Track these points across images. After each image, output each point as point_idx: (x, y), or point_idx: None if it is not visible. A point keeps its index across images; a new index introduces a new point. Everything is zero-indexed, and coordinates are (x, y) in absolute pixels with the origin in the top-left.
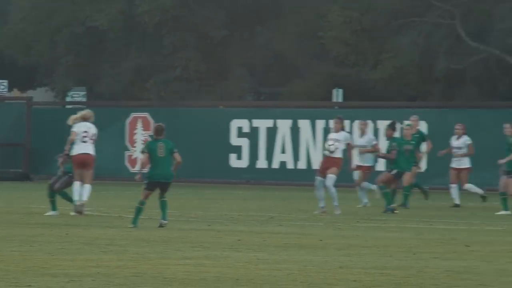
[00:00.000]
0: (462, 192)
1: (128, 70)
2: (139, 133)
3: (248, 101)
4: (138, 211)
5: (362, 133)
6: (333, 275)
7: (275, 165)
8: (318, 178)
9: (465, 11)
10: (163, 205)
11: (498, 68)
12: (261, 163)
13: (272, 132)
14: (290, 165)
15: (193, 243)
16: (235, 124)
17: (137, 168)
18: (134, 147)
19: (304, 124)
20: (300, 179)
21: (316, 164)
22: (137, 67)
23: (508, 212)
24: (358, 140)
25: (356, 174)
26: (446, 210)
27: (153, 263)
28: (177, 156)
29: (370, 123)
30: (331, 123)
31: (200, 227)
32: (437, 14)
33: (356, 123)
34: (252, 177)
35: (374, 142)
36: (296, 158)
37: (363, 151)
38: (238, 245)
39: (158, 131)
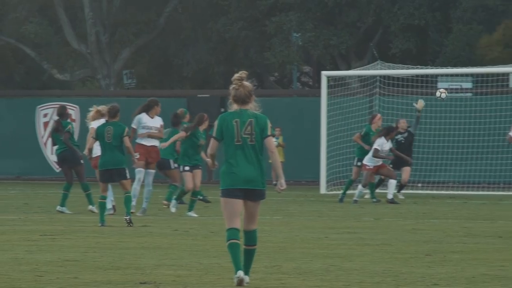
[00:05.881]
0: None
1: None
2: None
3: None
4: (101, 206)
5: None
6: None
7: None
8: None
9: None
10: (126, 201)
11: (14, 57)
12: None
13: None
14: None
15: None
16: None
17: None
18: None
19: None
20: None
21: None
22: None
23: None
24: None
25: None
26: None
27: None
28: (126, 141)
29: None
30: None
31: None
32: None
33: None
34: None
35: None
36: None
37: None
38: None
39: (111, 113)
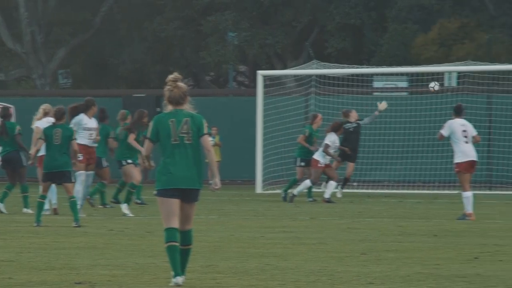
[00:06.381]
0: None
1: None
2: None
3: None
4: (39, 206)
5: None
6: None
7: None
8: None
9: None
10: (72, 206)
11: None
12: None
13: None
14: None
15: None
16: None
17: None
18: None
19: None
20: None
21: None
22: None
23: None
24: None
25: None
26: None
27: None
28: (74, 144)
29: None
30: None
31: None
32: None
33: None
34: None
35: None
36: None
37: None
38: None
39: (57, 115)
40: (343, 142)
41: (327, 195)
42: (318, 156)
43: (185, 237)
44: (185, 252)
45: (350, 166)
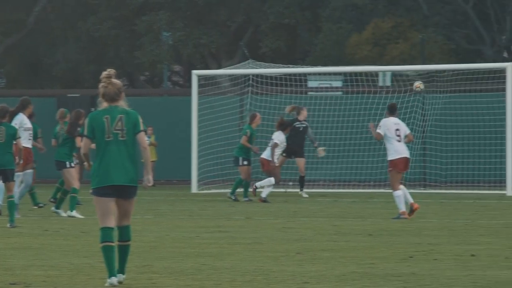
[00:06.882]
0: None
1: None
2: None
3: None
4: None
5: None
6: None
7: None
8: None
9: None
10: (9, 206)
11: None
12: None
13: None
14: None
15: None
16: None
17: None
18: None
19: None
20: None
21: None
22: None
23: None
24: None
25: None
26: None
27: None
28: (20, 143)
29: None
30: None
31: None
32: None
33: None
34: None
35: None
36: None
37: None
38: None
39: (0, 114)
40: (289, 139)
41: (264, 194)
42: (268, 156)
43: (123, 233)
44: (124, 249)
45: (301, 162)
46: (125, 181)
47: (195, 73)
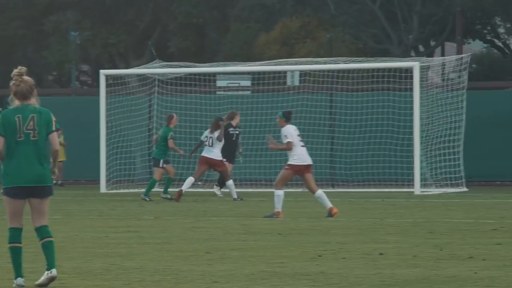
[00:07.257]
0: None
1: None
2: None
3: None
4: None
5: None
6: None
7: None
8: None
9: None
10: None
11: None
12: None
13: None
14: None
15: None
16: None
17: None
18: None
19: None
20: None
21: None
22: None
23: None
24: None
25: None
26: None
27: None
28: None
29: None
30: None
31: None
32: None
33: None
34: None
35: None
36: None
37: None
38: None
39: None
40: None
41: (184, 188)
42: (219, 156)
43: (42, 231)
44: (48, 245)
45: (229, 167)
46: (36, 182)
47: (103, 72)
